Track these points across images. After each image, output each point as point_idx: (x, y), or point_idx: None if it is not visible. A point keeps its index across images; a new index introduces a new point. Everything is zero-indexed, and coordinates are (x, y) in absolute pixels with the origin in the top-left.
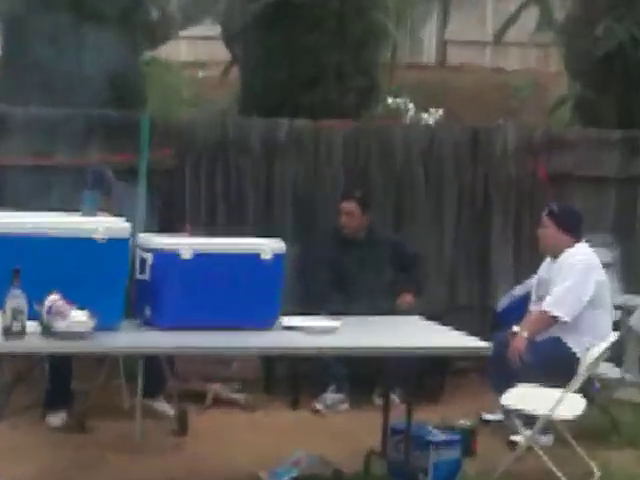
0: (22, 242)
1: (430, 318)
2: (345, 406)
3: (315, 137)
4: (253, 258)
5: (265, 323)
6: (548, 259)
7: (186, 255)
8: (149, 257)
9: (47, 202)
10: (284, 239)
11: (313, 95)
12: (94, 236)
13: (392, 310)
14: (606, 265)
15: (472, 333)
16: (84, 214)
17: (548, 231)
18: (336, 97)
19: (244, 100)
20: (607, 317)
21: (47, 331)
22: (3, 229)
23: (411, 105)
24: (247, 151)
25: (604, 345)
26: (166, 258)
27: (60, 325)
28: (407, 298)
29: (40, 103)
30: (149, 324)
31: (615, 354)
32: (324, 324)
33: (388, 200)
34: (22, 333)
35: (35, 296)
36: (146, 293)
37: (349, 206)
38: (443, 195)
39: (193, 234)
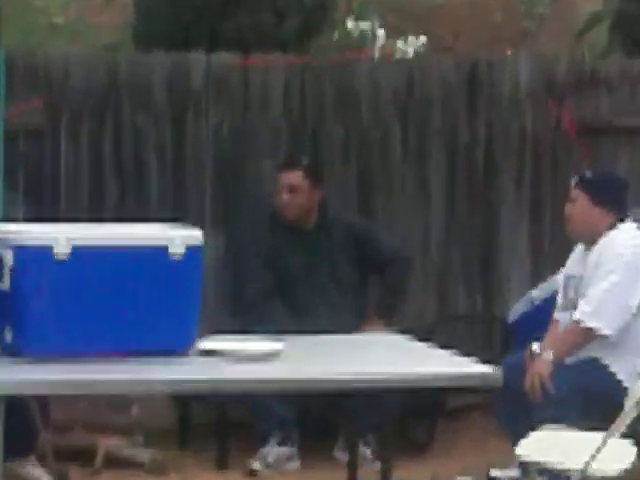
0: None
1: (415, 335)
2: (294, 464)
3: (243, 78)
4: (158, 254)
5: (176, 346)
6: (580, 247)
7: (62, 252)
8: (8, 256)
9: None
10: (201, 226)
11: (238, 19)
12: None
13: (357, 327)
14: None
15: (473, 355)
16: None
17: (579, 207)
18: (271, 21)
19: (140, 28)
20: None
21: None
22: None
23: (381, 31)
24: (147, 101)
25: None
26: (33, 257)
27: None
28: (376, 323)
29: None
30: (11, 353)
31: None
32: (261, 347)
33: (349, 169)
34: None
35: None
36: (5, 308)
37: (292, 178)
38: (428, 160)
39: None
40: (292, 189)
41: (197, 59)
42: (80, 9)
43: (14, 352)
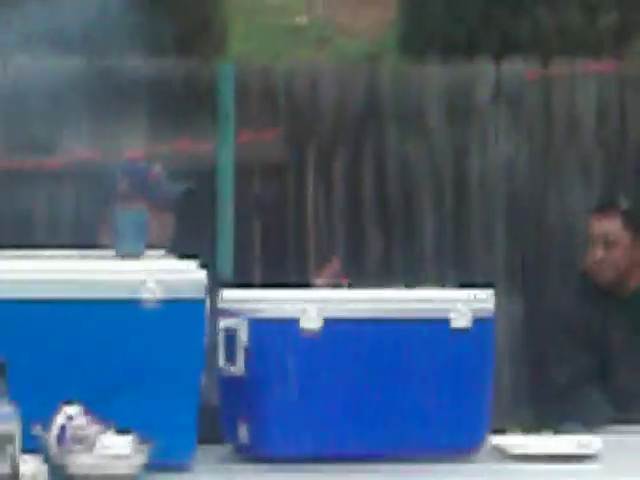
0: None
1: None
2: None
3: (543, 93)
4: (436, 326)
5: (462, 444)
6: None
7: (311, 326)
8: (242, 332)
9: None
10: (490, 288)
11: (536, 17)
12: (141, 295)
13: None
14: None
15: None
16: (119, 248)
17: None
18: (579, 19)
19: (409, 31)
20: None
21: (58, 473)
22: None
23: None
24: (418, 125)
25: None
26: (274, 333)
27: (82, 462)
28: None
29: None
30: (246, 454)
31: None
32: (570, 445)
33: None
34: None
35: (32, 408)
36: (238, 399)
37: (608, 227)
38: None
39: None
40: (607, 242)
41: (483, 69)
42: (328, 7)
43: (251, 453)
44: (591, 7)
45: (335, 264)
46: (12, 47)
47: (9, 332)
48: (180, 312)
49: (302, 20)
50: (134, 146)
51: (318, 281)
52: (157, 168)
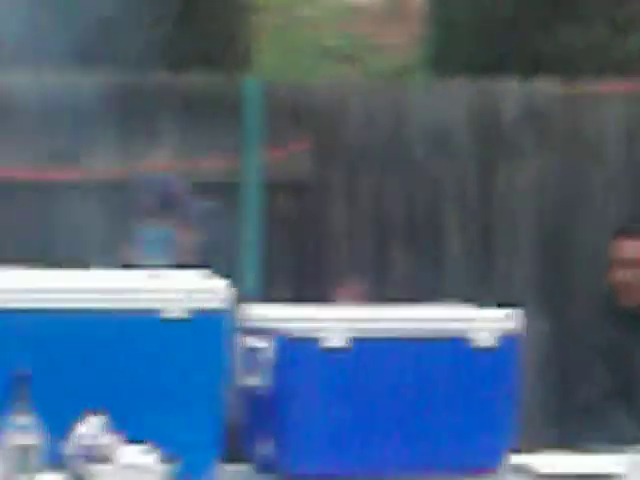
0: (32, 323)
1: None
2: None
3: (571, 112)
4: (460, 345)
5: (483, 462)
6: None
7: (337, 345)
8: (268, 347)
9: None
10: (516, 307)
11: (564, 35)
12: (166, 310)
13: None
14: None
15: None
16: (145, 262)
17: None
18: (607, 37)
19: (438, 47)
20: None
21: None
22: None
23: None
24: (444, 143)
25: None
26: (299, 351)
27: (103, 473)
28: None
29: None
30: (269, 470)
31: None
32: (595, 466)
33: None
34: None
35: (59, 421)
36: (263, 414)
37: (634, 248)
38: None
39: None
40: (634, 263)
41: (509, 87)
42: (357, 24)
43: (275, 471)
44: (619, 26)
45: (356, 283)
46: (42, 63)
47: (34, 343)
48: (205, 327)
49: (331, 36)
50: (160, 162)
51: (340, 298)
52: (183, 184)
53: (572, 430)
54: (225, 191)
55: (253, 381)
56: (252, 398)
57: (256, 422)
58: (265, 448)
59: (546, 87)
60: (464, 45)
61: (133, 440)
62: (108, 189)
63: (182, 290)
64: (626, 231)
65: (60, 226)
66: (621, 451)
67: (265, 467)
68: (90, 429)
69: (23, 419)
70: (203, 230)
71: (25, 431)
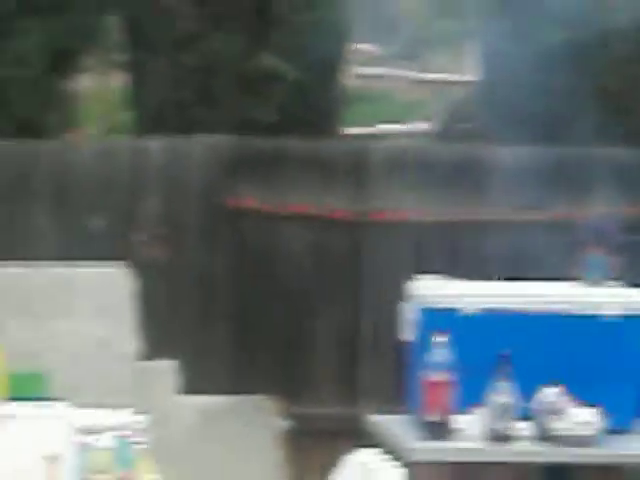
0: (512, 321)
1: None
2: None
3: None
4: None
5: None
6: None
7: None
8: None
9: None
10: None
11: None
12: (603, 312)
13: None
14: None
15: None
16: (589, 282)
17: None
18: None
19: None
20: None
21: (542, 434)
22: (488, 304)
23: None
24: None
25: None
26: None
27: (557, 427)
28: None
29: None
30: None
31: None
32: None
33: None
34: (509, 436)
35: (526, 389)
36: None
37: None
38: None
39: None
40: None
41: None
42: None
43: None
44: None
45: None
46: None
47: (514, 334)
48: (635, 325)
49: None
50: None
51: None
52: (613, 224)
53: None
54: None
55: None
56: None
57: None
58: None
59: None
60: None
61: (582, 403)
62: (563, 227)
63: (615, 297)
64: None
65: (526, 257)
66: None
67: None
68: (551, 394)
69: (503, 385)
70: (626, 256)
71: (504, 393)
